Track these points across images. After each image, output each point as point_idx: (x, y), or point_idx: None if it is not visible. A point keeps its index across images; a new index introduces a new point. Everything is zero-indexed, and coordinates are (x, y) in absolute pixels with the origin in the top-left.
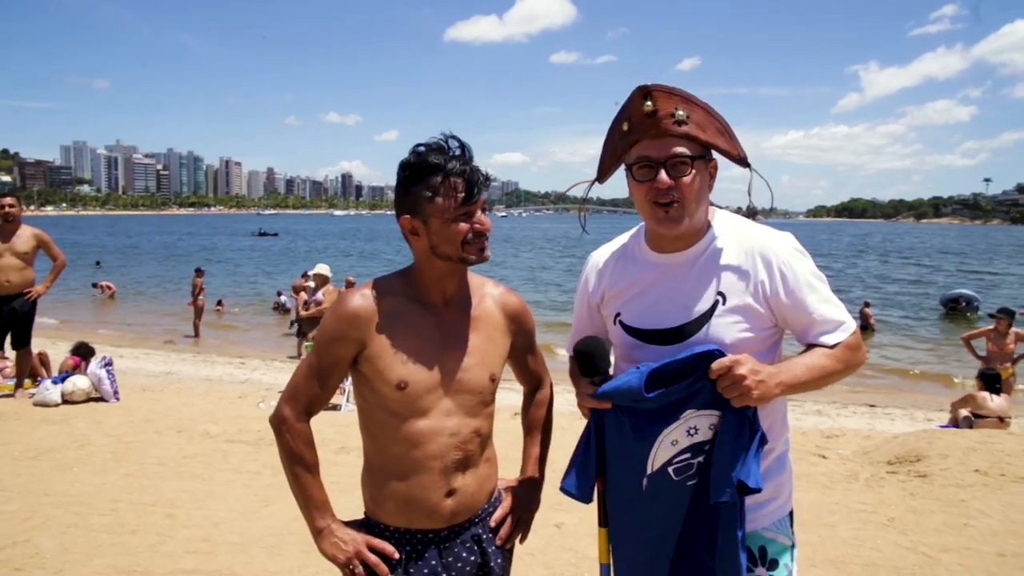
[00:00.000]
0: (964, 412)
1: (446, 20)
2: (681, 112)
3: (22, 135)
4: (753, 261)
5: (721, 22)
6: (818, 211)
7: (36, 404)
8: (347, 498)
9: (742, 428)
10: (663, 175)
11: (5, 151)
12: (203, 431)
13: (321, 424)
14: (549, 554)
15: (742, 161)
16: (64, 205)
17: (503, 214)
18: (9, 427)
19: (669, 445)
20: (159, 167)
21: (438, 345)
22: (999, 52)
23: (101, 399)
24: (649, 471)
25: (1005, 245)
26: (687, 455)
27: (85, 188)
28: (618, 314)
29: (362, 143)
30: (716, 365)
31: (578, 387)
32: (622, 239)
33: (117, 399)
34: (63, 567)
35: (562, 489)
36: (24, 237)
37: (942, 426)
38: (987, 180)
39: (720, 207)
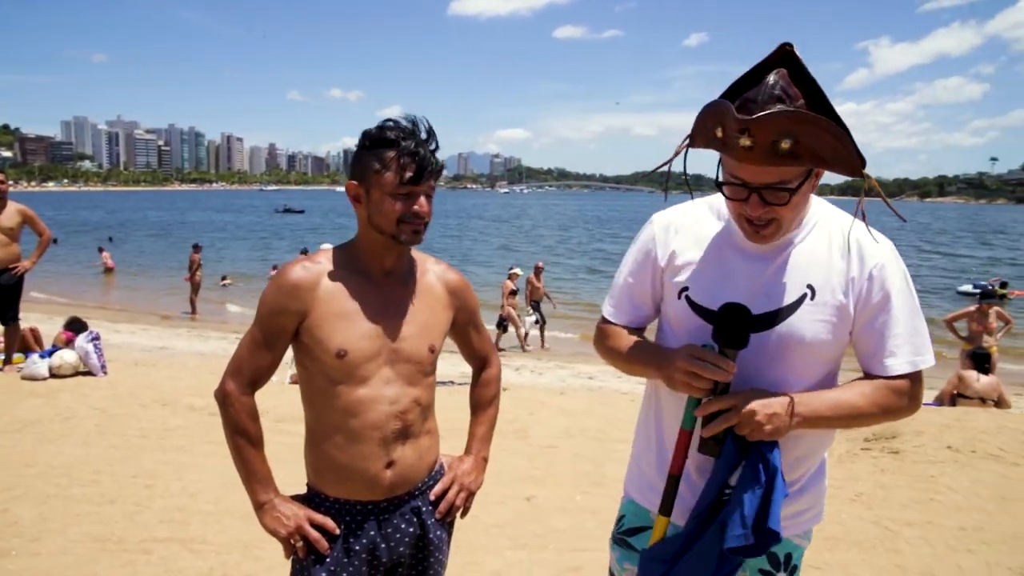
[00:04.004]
0: (949, 391)
1: None
2: (786, 142)
3: (23, 110)
4: (849, 258)
5: None
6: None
7: (24, 378)
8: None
9: (756, 471)
10: (756, 201)
11: (6, 126)
12: (188, 404)
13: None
14: (517, 526)
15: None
16: (66, 181)
17: (505, 190)
18: None
19: None
20: (160, 143)
21: (378, 315)
22: (1015, 27)
23: (89, 373)
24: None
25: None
26: None
27: (86, 164)
28: (685, 288)
29: (365, 119)
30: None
31: (702, 356)
32: (699, 205)
33: (104, 373)
34: (39, 535)
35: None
36: (9, 213)
37: (926, 404)
38: (993, 159)
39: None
